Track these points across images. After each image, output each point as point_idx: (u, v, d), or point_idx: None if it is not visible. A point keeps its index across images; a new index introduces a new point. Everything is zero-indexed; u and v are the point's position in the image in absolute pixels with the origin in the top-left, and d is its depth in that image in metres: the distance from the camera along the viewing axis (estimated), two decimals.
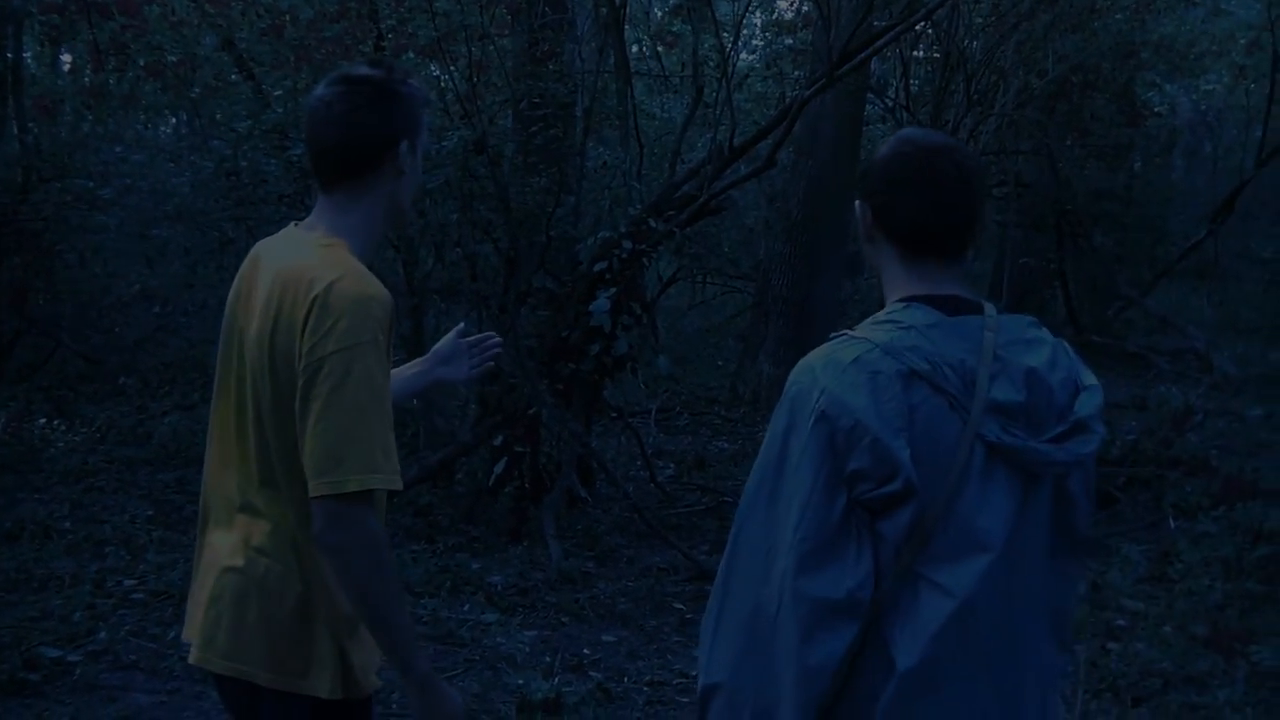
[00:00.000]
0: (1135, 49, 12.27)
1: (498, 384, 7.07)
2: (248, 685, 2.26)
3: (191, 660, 2.34)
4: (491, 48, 6.78)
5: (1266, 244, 15.09)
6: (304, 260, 2.22)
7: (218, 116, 8.67)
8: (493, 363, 2.86)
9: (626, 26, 9.08)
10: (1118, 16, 10.72)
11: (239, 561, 2.26)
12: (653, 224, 6.61)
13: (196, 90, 6.83)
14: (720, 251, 14.64)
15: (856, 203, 2.13)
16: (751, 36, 15.62)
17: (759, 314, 10.93)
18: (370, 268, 2.29)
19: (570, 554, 6.38)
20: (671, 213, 6.79)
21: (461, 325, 2.88)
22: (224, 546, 2.30)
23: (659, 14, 15.81)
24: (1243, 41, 14.19)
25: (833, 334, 2.02)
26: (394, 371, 2.82)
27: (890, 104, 11.07)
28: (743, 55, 15.54)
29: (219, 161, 6.72)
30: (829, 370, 1.92)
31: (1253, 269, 18.01)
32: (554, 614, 5.65)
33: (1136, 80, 13.44)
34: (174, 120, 14.36)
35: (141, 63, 9.20)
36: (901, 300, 2.04)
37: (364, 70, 2.34)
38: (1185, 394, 8.99)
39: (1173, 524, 6.73)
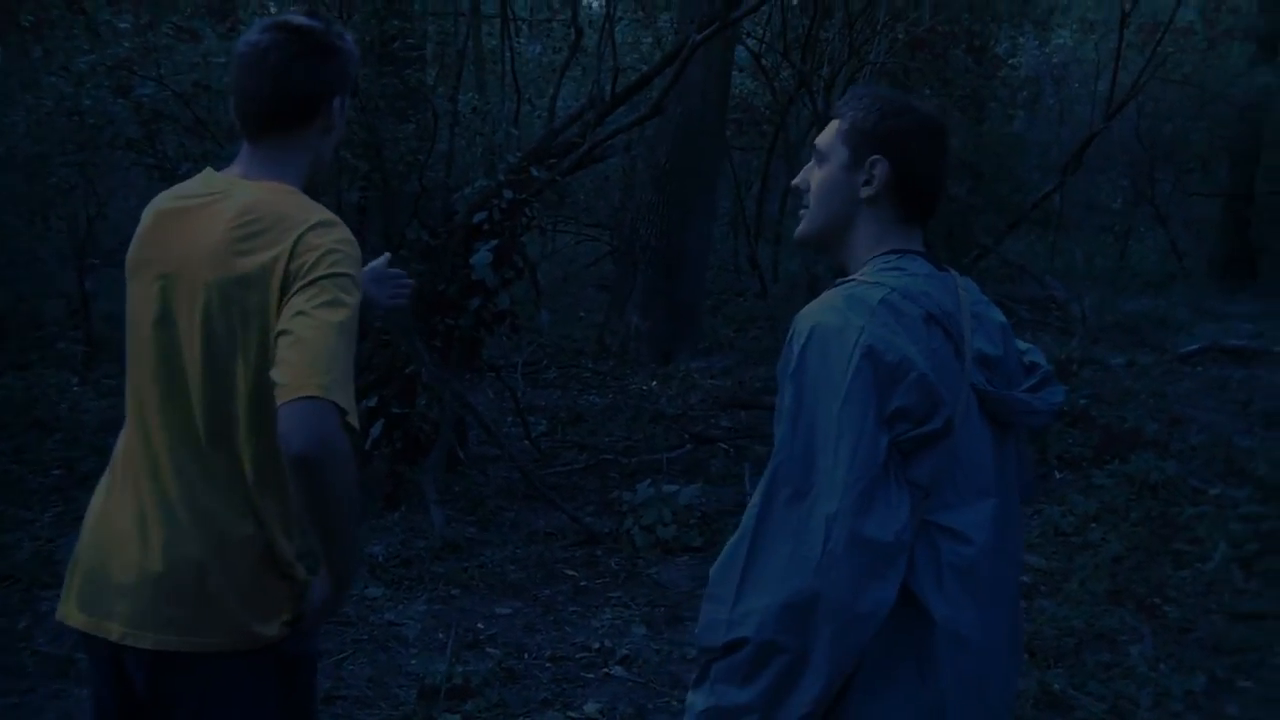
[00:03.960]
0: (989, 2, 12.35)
1: (369, 340, 6.68)
2: (188, 659, 2.11)
3: (120, 639, 2.12)
4: None
5: (1115, 194, 15.41)
6: (272, 202, 2.13)
7: (39, 53, 7.93)
8: (404, 300, 2.83)
9: None
10: None
11: (193, 529, 2.12)
12: (535, 172, 6.28)
13: (31, 19, 6.19)
14: (576, 200, 14.32)
15: (873, 157, 2.07)
16: None
17: (626, 264, 10.66)
18: None
19: (452, 520, 6.06)
20: (553, 160, 6.47)
21: (388, 255, 2.84)
22: (158, 515, 2.13)
23: None
24: None
25: (838, 281, 2.02)
26: None
27: (760, 49, 10.86)
28: (594, 3, 15.19)
29: (58, 100, 6.11)
30: (859, 309, 1.90)
31: (1092, 217, 18.48)
32: (442, 586, 5.33)
33: (993, 33, 13.53)
34: None
35: None
36: (893, 252, 2.06)
37: (302, 20, 2.24)
38: (1061, 345, 9.05)
39: (1058, 475, 6.73)
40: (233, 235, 2.08)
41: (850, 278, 2.03)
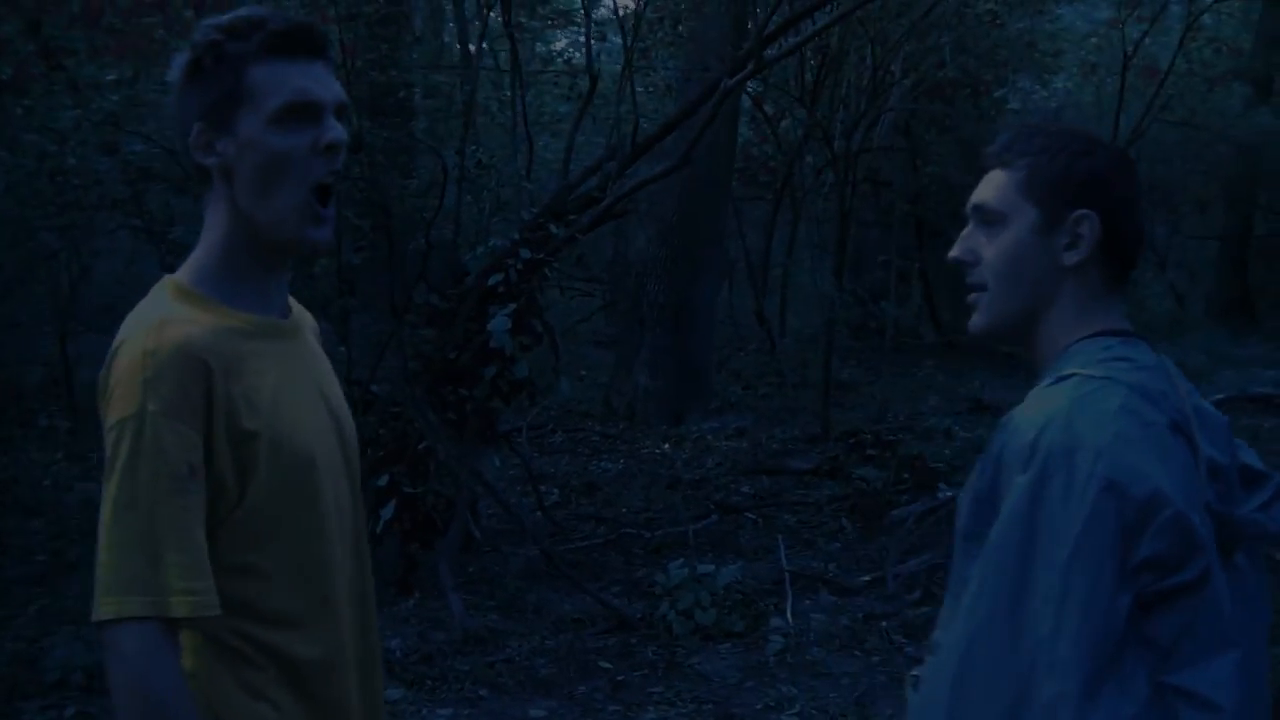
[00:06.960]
0: (997, 48, 12.13)
1: (373, 413, 6.22)
2: None
3: None
4: (363, 30, 5.91)
5: None
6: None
7: (18, 110, 7.49)
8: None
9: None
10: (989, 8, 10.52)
11: None
12: (553, 229, 5.87)
13: (9, 73, 5.79)
14: (571, 254, 13.92)
15: (1078, 212, 1.64)
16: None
17: (631, 322, 10.24)
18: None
19: (470, 607, 5.59)
20: (572, 216, 6.06)
21: None
22: None
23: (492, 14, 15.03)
24: (1093, 40, 14.20)
25: (1058, 375, 1.57)
26: None
27: (763, 93, 10.54)
28: (603, 58, 14.84)
29: (39, 159, 5.68)
30: (1092, 421, 1.46)
31: None
32: (468, 685, 4.85)
33: (996, 79, 13.34)
34: None
35: None
36: (1106, 334, 1.62)
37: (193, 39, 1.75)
38: None
39: None
40: None
41: (1067, 371, 1.55)
